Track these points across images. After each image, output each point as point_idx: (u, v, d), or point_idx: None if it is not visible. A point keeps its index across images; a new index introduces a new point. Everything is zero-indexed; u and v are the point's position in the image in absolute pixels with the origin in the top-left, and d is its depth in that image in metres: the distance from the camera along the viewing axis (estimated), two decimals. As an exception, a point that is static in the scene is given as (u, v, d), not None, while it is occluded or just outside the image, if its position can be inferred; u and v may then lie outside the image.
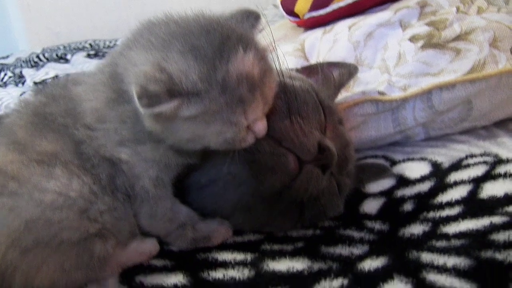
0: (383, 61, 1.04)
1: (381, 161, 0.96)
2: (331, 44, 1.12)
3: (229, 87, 0.57)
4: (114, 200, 0.66)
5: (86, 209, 0.62)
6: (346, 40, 1.10)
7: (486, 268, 0.55)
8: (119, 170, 0.65)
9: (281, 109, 0.70)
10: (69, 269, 0.62)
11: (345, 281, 0.57)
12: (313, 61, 1.12)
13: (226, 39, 0.58)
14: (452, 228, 0.66)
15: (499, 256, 0.56)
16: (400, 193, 0.82)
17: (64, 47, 2.62)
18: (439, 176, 0.83)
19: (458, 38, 0.99)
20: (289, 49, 1.17)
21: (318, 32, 1.19)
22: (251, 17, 0.65)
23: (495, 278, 0.52)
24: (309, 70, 0.93)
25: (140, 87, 0.53)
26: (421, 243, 0.64)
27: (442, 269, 0.56)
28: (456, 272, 0.55)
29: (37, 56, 2.39)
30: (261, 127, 0.62)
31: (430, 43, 1.00)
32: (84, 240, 0.62)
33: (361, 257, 0.63)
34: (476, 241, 0.61)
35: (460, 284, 0.52)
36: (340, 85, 0.94)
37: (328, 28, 1.19)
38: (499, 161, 0.83)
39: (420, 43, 1.01)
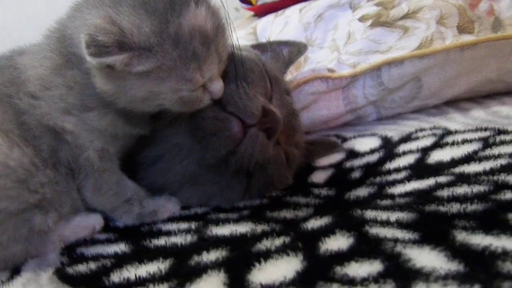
0: (333, 41, 1.04)
1: (332, 138, 0.95)
2: (282, 26, 1.12)
3: (182, 41, 0.56)
4: (56, 173, 0.64)
5: (25, 179, 0.60)
6: (297, 22, 1.10)
7: (429, 219, 0.54)
8: (63, 141, 0.63)
9: (227, 75, 0.69)
10: (6, 242, 0.59)
11: (287, 239, 0.56)
12: (264, 42, 1.12)
13: None
14: (397, 189, 0.66)
15: (442, 208, 0.56)
16: (349, 164, 0.81)
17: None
18: (389, 147, 0.83)
19: (405, 16, 1.00)
20: (241, 34, 1.17)
21: (270, 16, 1.19)
22: None
23: (437, 227, 0.52)
24: (258, 48, 0.92)
25: (89, 36, 0.52)
26: (366, 203, 0.64)
27: (385, 223, 0.55)
28: (399, 224, 0.54)
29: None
30: (217, 87, 0.62)
31: (379, 21, 1.01)
32: (22, 211, 0.59)
33: (305, 219, 0.62)
34: (420, 198, 0.61)
35: (402, 234, 0.51)
36: (289, 61, 0.94)
37: (279, 12, 1.19)
38: (447, 132, 0.83)
39: (369, 22, 1.02)
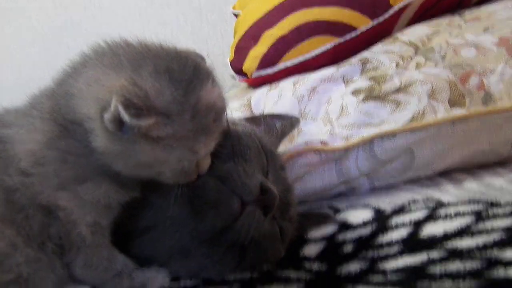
0: (327, 114, 1.05)
1: (324, 210, 0.95)
2: (276, 98, 1.14)
3: (199, 114, 0.57)
4: (38, 252, 0.62)
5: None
6: (291, 95, 1.11)
7: (420, 297, 0.53)
8: (55, 217, 0.62)
9: (225, 151, 0.70)
10: None
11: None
12: (258, 115, 1.13)
13: (198, 68, 0.59)
14: (390, 265, 0.66)
15: (435, 285, 0.55)
16: (341, 237, 0.81)
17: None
18: (381, 220, 0.82)
19: (398, 90, 1.02)
20: (236, 105, 1.19)
21: (264, 89, 1.21)
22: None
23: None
24: (252, 121, 0.93)
25: (124, 98, 0.51)
26: (358, 279, 0.63)
27: (376, 301, 0.54)
28: (390, 302, 0.53)
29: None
30: (207, 163, 0.63)
31: (371, 95, 1.02)
32: None
33: (296, 295, 0.61)
34: (413, 274, 0.61)
35: (393, 312, 0.50)
36: (282, 135, 0.95)
37: (274, 85, 1.21)
38: (440, 205, 0.83)
39: (362, 96, 1.03)
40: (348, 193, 1.05)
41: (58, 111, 0.61)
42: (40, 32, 2.68)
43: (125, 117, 0.52)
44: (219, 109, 0.60)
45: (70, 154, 0.60)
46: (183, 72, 0.57)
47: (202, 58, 0.67)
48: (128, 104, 0.51)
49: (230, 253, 0.69)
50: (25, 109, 0.66)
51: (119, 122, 0.53)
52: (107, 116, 0.52)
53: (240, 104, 1.19)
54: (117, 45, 0.62)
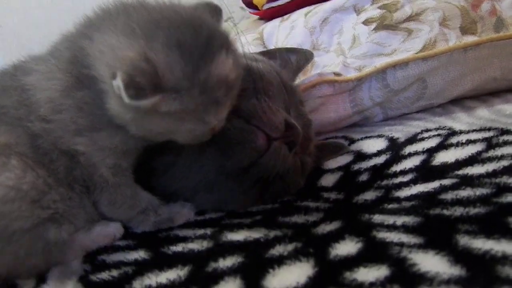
0: (339, 45, 1.06)
1: (340, 140, 0.98)
2: (288, 31, 1.14)
3: (209, 88, 0.57)
4: (69, 191, 0.66)
5: (38, 199, 0.62)
6: (303, 27, 1.12)
7: (433, 223, 0.57)
8: (77, 162, 0.65)
9: (247, 89, 0.71)
10: (24, 256, 0.62)
11: (299, 244, 0.58)
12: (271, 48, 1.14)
13: (211, 39, 0.58)
14: (403, 193, 0.68)
15: (446, 212, 0.58)
16: (356, 166, 0.84)
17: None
18: (395, 149, 0.85)
19: (409, 19, 1.02)
20: (248, 39, 1.19)
21: (276, 21, 1.21)
22: (214, 11, 0.66)
23: (441, 231, 0.54)
24: (268, 55, 0.94)
25: (127, 76, 0.52)
26: (374, 207, 0.66)
27: (391, 227, 0.58)
28: (405, 228, 0.57)
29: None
30: (222, 123, 0.63)
31: (383, 25, 1.03)
32: (36, 226, 0.62)
33: (316, 223, 0.65)
34: (426, 201, 0.63)
35: (408, 238, 0.54)
36: (297, 69, 0.96)
37: (285, 17, 1.21)
38: (452, 133, 0.85)
39: (373, 25, 1.04)
40: (362, 123, 1.07)
41: (74, 64, 0.62)
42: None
43: (125, 98, 0.52)
44: (231, 82, 0.60)
45: (85, 104, 0.62)
46: (195, 45, 0.56)
47: (218, 11, 0.66)
48: (129, 84, 0.52)
49: (255, 187, 0.72)
50: (45, 57, 0.68)
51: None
52: (116, 84, 0.53)
53: (252, 37, 1.19)
54: (131, 8, 0.61)
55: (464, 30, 1.00)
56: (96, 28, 0.61)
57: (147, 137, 0.63)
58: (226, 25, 0.68)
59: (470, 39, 0.98)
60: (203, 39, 0.57)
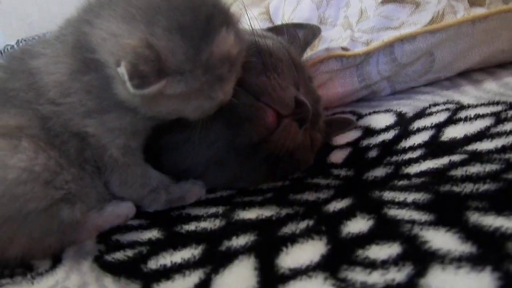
0: (346, 18, 1.06)
1: (348, 116, 0.98)
2: (294, 5, 1.13)
3: (212, 67, 0.57)
4: (81, 171, 0.67)
5: (51, 180, 0.63)
6: (309, 0, 1.11)
7: (444, 200, 0.57)
8: (87, 143, 0.66)
9: (256, 65, 0.71)
10: (39, 236, 0.63)
11: (311, 222, 0.59)
12: (278, 23, 1.13)
13: (211, 18, 0.58)
14: (413, 169, 0.69)
15: (456, 188, 0.59)
16: (365, 142, 0.84)
17: (39, 37, 2.58)
18: (403, 124, 0.85)
19: (417, -10, 1.01)
20: (254, 13, 1.18)
21: (282, -5, 1.20)
22: None
23: (452, 208, 0.55)
24: (275, 31, 0.94)
25: (131, 65, 0.53)
26: (384, 183, 0.67)
27: (402, 204, 0.58)
28: (415, 205, 0.57)
29: (12, 48, 2.36)
30: (229, 96, 0.63)
31: (390, -3, 1.02)
32: (49, 207, 0.63)
33: (327, 200, 0.65)
34: (435, 177, 0.64)
35: (419, 215, 0.54)
36: (305, 44, 0.96)
37: (291, -10, 1.20)
38: (460, 107, 0.85)
39: (381, -2, 1.03)
40: (370, 98, 1.07)
41: (79, 48, 0.62)
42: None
43: (130, 88, 0.53)
44: (233, 57, 0.60)
45: (92, 87, 0.62)
46: (195, 26, 0.56)
47: None
48: (133, 74, 0.53)
49: (265, 164, 0.73)
50: (51, 41, 0.68)
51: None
52: (121, 72, 0.53)
53: (258, 12, 1.18)
54: None
55: (472, 2, 0.99)
56: (96, 14, 0.61)
57: (157, 117, 0.63)
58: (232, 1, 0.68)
59: (478, 11, 0.97)
60: (202, 19, 0.57)
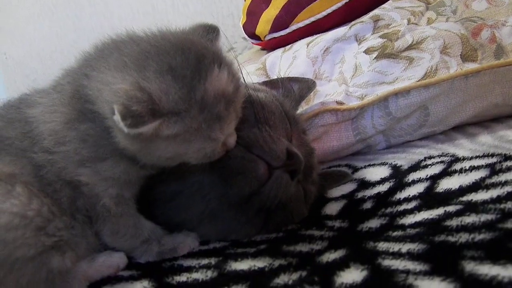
0: (341, 74, 1.07)
1: (343, 169, 0.98)
2: (290, 60, 1.15)
3: (208, 105, 0.57)
4: (72, 220, 0.66)
5: (43, 226, 0.62)
6: (305, 56, 1.13)
7: (439, 250, 0.56)
8: (80, 192, 0.66)
9: (248, 118, 0.72)
10: (26, 285, 0.61)
11: (304, 273, 0.58)
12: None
13: (202, 58, 0.59)
14: (408, 220, 0.68)
15: (452, 238, 0.58)
16: (360, 194, 0.84)
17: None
18: (399, 177, 0.85)
19: (410, 47, 1.03)
20: (251, 69, 1.21)
21: (278, 51, 1.23)
22: (211, 32, 0.67)
23: (447, 257, 0.54)
24: (270, 84, 0.95)
25: (123, 107, 0.53)
26: (378, 234, 0.66)
27: (397, 255, 0.57)
28: (410, 255, 0.56)
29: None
30: (233, 140, 0.64)
31: (384, 53, 1.04)
32: (39, 254, 0.61)
33: (321, 251, 0.64)
34: (430, 228, 0.63)
35: (413, 265, 0.54)
36: (300, 98, 0.97)
37: (288, 47, 1.23)
38: (455, 159, 0.85)
39: (375, 54, 1.05)
40: (365, 151, 1.07)
41: (78, 99, 0.63)
42: (48, 4, 2.69)
43: (124, 128, 0.53)
44: (229, 95, 0.60)
45: (89, 136, 0.63)
46: (186, 67, 0.57)
47: (214, 30, 0.68)
48: (126, 114, 0.53)
49: (258, 216, 0.72)
50: (48, 91, 0.69)
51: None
52: (116, 118, 0.54)
53: (255, 68, 1.21)
54: (121, 43, 0.63)
55: (465, 58, 1.01)
56: (92, 68, 0.62)
57: (158, 164, 0.63)
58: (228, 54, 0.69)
59: (471, 66, 0.99)
60: (192, 59, 0.58)
